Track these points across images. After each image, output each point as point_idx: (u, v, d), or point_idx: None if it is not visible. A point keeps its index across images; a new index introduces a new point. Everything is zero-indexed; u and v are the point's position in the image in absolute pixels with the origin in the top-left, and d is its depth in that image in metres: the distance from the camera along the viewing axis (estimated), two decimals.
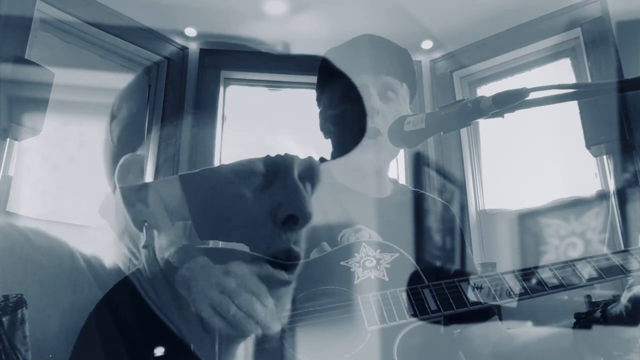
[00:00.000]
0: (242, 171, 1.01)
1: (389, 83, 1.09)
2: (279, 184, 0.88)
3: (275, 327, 0.73)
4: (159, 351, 0.77)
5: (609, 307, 0.80)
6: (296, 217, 0.80)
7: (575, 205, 2.21)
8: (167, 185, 1.01)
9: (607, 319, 0.79)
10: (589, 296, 1.44)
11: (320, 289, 0.84)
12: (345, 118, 1.09)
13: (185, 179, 1.02)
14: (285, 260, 0.80)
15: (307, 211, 0.82)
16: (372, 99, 1.06)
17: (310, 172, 1.00)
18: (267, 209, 0.84)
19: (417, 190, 1.18)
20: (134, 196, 0.91)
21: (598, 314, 0.81)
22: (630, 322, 0.76)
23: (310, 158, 1.12)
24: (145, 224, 0.84)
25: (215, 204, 0.95)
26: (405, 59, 1.15)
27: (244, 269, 0.75)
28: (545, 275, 0.83)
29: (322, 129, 1.18)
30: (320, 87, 1.19)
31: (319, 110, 1.20)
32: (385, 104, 1.08)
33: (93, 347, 0.79)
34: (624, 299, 0.77)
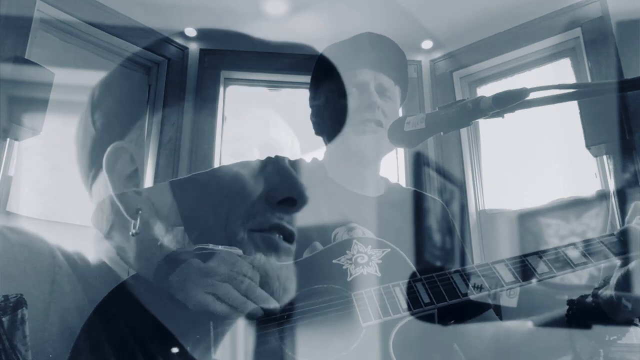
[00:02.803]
0: (235, 169, 1.02)
1: (385, 82, 1.11)
2: (272, 169, 0.89)
3: (273, 304, 0.75)
4: (157, 353, 0.77)
5: (599, 292, 0.80)
6: (294, 199, 0.81)
7: (575, 205, 2.22)
8: (158, 192, 1.01)
9: (599, 304, 0.79)
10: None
11: (314, 288, 0.85)
12: (346, 109, 1.11)
13: (176, 185, 1.02)
14: (281, 236, 0.81)
15: (305, 194, 0.83)
16: (372, 94, 1.08)
17: (314, 173, 1.03)
18: (262, 190, 0.84)
19: (410, 188, 1.19)
20: (177, 190, 0.92)
21: (590, 299, 0.81)
22: (621, 307, 0.77)
23: (314, 160, 1.14)
24: (140, 212, 0.84)
25: (207, 207, 0.96)
26: (402, 63, 1.17)
27: (235, 257, 0.76)
28: (536, 262, 0.84)
29: (317, 124, 1.19)
30: (317, 83, 1.20)
31: (314, 106, 1.20)
32: (383, 101, 1.09)
33: (91, 353, 0.79)
34: (614, 283, 0.78)
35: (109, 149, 0.87)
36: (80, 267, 0.81)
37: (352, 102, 1.10)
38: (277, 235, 0.81)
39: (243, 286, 0.75)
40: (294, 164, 1.11)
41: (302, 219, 0.98)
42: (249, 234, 0.81)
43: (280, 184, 0.84)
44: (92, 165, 0.87)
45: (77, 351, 0.78)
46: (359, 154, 1.09)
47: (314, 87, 1.22)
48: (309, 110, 1.24)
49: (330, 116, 1.14)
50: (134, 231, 0.77)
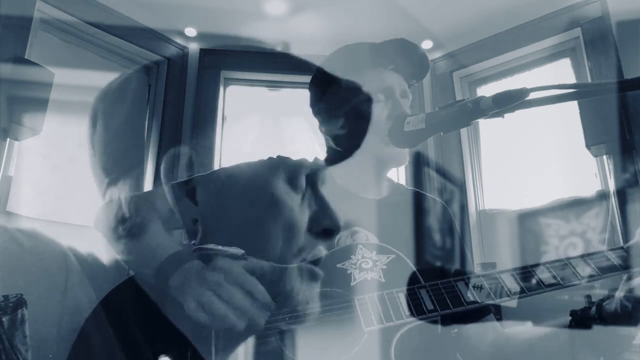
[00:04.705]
0: (245, 172, 1.03)
1: (407, 90, 1.10)
2: (310, 195, 0.95)
3: (260, 321, 0.72)
4: (157, 354, 0.77)
5: (604, 304, 0.80)
6: (332, 230, 0.88)
7: (575, 205, 2.21)
8: (159, 195, 1.02)
9: (603, 317, 0.79)
10: (589, 296, 1.43)
11: (317, 291, 0.84)
12: (371, 116, 1.06)
13: (176, 188, 1.03)
14: (311, 263, 0.84)
15: (340, 224, 0.91)
16: (402, 103, 1.07)
17: (318, 175, 1.04)
18: (303, 220, 0.91)
19: (413, 189, 1.18)
20: (178, 193, 0.95)
21: (593, 311, 0.81)
22: (626, 320, 0.76)
23: (316, 160, 1.13)
24: (197, 222, 0.88)
25: (211, 208, 0.97)
26: (424, 76, 1.15)
27: (230, 262, 0.76)
28: (542, 273, 0.83)
29: (336, 127, 1.12)
30: (332, 80, 1.13)
31: (329, 108, 1.13)
32: None
33: (92, 346, 0.79)
34: (620, 296, 0.77)
35: (166, 155, 0.95)
36: (93, 269, 0.82)
37: (379, 109, 1.05)
38: (317, 266, 0.86)
39: (228, 296, 0.71)
40: (297, 164, 1.10)
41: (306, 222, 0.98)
42: (297, 263, 0.86)
43: (321, 215, 0.92)
44: (109, 171, 0.90)
45: (82, 338, 0.78)
46: (390, 163, 1.07)
47: (326, 84, 1.14)
48: (309, 111, 1.22)
49: (354, 122, 1.08)
50: (198, 240, 0.81)
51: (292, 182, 1.01)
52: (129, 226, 0.90)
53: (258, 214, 0.96)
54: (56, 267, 0.70)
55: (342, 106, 1.11)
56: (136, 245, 0.89)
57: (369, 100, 1.07)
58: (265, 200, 0.97)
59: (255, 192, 0.99)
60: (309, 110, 1.22)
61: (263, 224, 0.94)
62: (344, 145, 1.11)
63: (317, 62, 1.19)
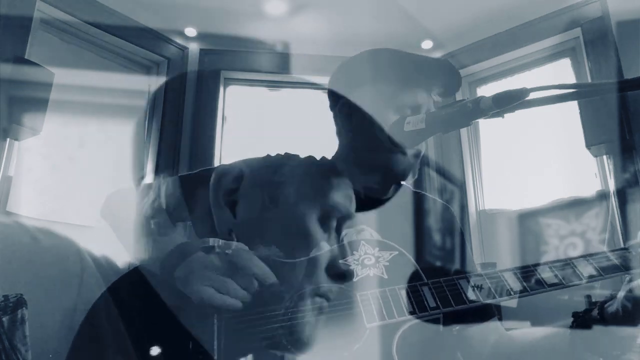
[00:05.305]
0: (264, 172, 1.04)
1: (432, 108, 1.06)
2: (319, 194, 0.99)
3: (275, 302, 0.76)
4: (160, 346, 0.78)
5: (606, 306, 0.80)
6: (340, 227, 0.90)
7: (575, 205, 2.22)
8: (166, 186, 1.02)
9: (605, 318, 0.79)
10: (588, 296, 1.44)
11: (319, 287, 0.85)
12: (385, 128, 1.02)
13: (184, 180, 1.03)
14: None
15: (347, 221, 0.97)
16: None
17: (326, 172, 1.05)
18: (316, 216, 0.94)
19: (417, 190, 1.18)
20: (221, 203, 0.96)
21: (595, 312, 0.81)
22: (627, 321, 0.76)
23: (324, 158, 1.13)
24: (233, 233, 0.89)
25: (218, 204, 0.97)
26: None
27: (237, 250, 0.78)
28: (545, 273, 0.83)
29: (351, 131, 1.09)
30: (364, 81, 1.07)
31: (353, 111, 1.08)
32: None
33: (94, 338, 0.80)
34: (621, 297, 0.77)
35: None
36: (107, 270, 0.82)
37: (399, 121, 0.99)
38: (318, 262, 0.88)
39: (243, 280, 0.75)
40: (306, 162, 1.10)
41: (312, 218, 0.98)
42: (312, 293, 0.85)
43: (330, 212, 0.96)
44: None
45: (89, 322, 0.79)
46: (398, 176, 1.05)
47: (356, 85, 1.09)
48: (309, 111, 1.21)
49: (373, 130, 1.03)
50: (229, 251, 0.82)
51: (303, 179, 1.02)
52: (220, 222, 0.93)
53: (276, 213, 0.97)
54: (72, 266, 0.70)
55: (369, 109, 1.06)
56: (145, 237, 0.90)
57: (397, 111, 1.02)
58: (283, 198, 0.99)
59: (270, 189, 1.00)
60: (311, 110, 1.20)
61: (283, 221, 0.95)
62: (358, 145, 1.08)
63: (317, 62, 1.18)
